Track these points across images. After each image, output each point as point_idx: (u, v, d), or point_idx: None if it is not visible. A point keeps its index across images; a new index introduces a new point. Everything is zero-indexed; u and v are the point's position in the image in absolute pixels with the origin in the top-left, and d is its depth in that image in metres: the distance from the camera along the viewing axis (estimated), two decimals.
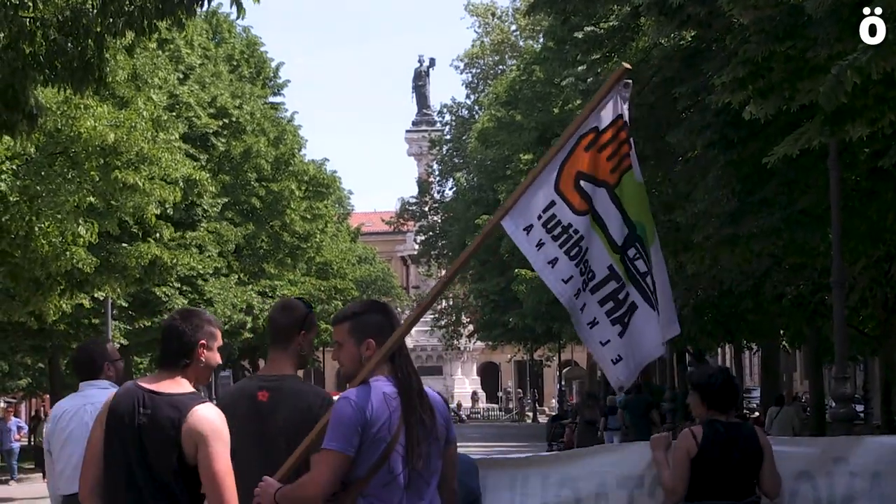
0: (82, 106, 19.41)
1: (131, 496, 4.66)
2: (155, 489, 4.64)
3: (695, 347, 37.66)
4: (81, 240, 20.51)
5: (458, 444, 5.07)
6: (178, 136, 27.30)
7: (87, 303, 26.76)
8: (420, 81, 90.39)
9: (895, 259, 17.69)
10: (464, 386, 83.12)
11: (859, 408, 30.73)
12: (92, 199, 20.68)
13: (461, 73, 64.75)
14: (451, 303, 65.28)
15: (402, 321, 4.90)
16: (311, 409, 5.06)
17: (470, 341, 73.74)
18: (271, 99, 46.24)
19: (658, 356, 5.55)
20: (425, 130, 77.78)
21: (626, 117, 5.14)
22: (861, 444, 6.46)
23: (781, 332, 32.73)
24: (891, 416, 22.32)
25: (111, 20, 11.26)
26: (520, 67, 47.57)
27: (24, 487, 29.09)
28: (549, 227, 5.13)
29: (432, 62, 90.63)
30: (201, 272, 33.49)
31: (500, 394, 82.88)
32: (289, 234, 41.17)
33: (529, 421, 64.51)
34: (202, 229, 34.22)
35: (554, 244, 5.15)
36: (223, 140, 36.69)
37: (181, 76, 34.89)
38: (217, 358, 4.92)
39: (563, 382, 58.30)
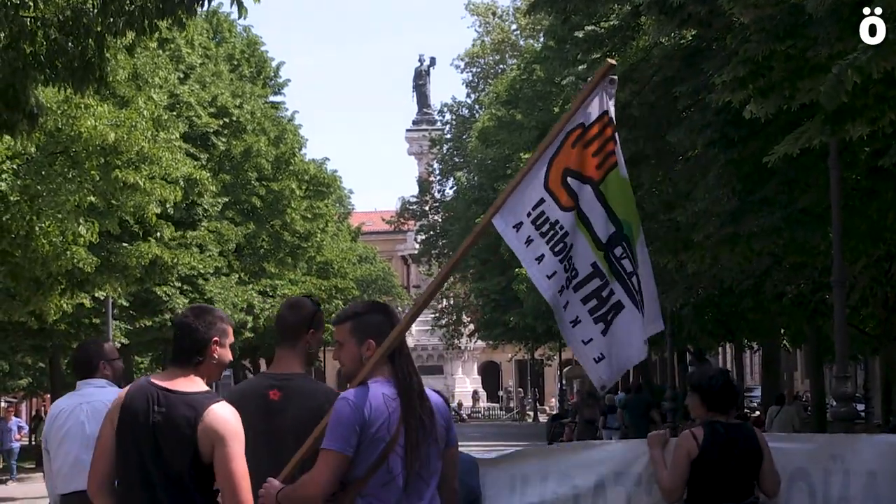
0: (83, 105, 19.39)
1: (145, 494, 4.66)
2: (169, 487, 4.64)
3: (695, 347, 37.68)
4: (82, 239, 20.51)
5: (459, 443, 5.07)
6: (178, 136, 27.29)
7: (87, 302, 26.76)
8: (420, 80, 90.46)
9: (895, 258, 17.69)
10: (464, 385, 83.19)
11: (860, 407, 30.72)
12: (92, 198, 20.67)
13: (462, 73, 64.87)
14: (451, 302, 65.34)
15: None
16: (322, 408, 5.04)
17: (471, 340, 73.78)
18: (272, 98, 46.23)
19: (641, 360, 5.53)
20: (426, 129, 77.82)
21: (612, 113, 5.14)
22: (857, 442, 6.46)
23: (782, 331, 32.75)
24: (891, 415, 22.34)
25: (112, 20, 11.26)
26: (520, 66, 47.57)
27: (25, 487, 29.10)
28: (538, 224, 5.13)
29: (433, 61, 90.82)
30: (202, 272, 33.50)
31: (500, 393, 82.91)
32: (289, 233, 41.17)
33: (530, 420, 64.54)
34: (203, 229, 34.22)
35: (542, 240, 5.15)
36: (224, 139, 36.68)
37: (182, 76, 34.89)
38: (229, 355, 4.92)
39: (563, 382, 58.29)
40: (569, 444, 8.33)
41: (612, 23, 19.84)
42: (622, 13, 19.67)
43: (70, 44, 11.73)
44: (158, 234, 27.88)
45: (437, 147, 62.38)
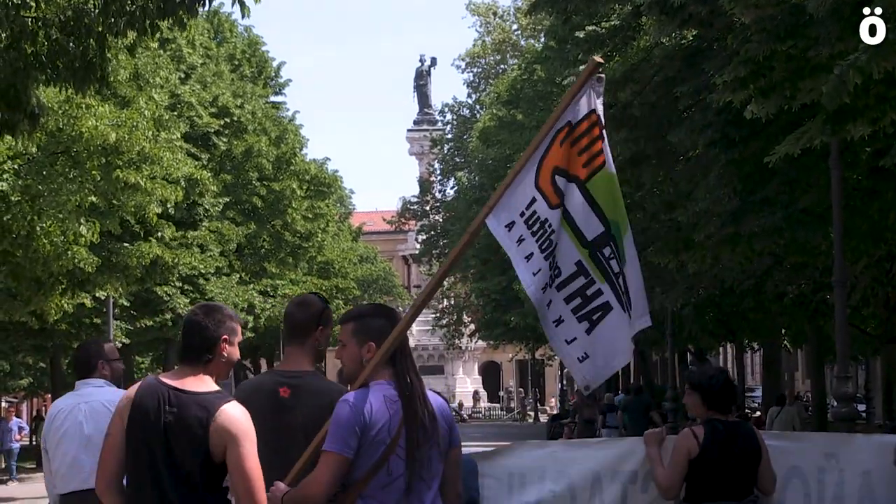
0: (84, 105, 19.40)
1: (155, 493, 4.66)
2: (179, 486, 4.64)
3: (696, 347, 37.69)
4: (83, 239, 20.51)
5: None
6: (179, 136, 27.34)
7: (88, 302, 26.77)
8: (421, 81, 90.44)
9: None
10: (465, 385, 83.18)
11: (861, 407, 30.71)
12: (93, 198, 20.68)
13: (462, 73, 64.80)
14: (452, 302, 65.32)
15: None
16: (333, 407, 5.04)
17: (471, 340, 73.76)
18: (273, 98, 46.26)
19: (626, 363, 5.51)
20: (427, 130, 77.77)
21: (600, 111, 5.12)
22: (852, 442, 6.48)
23: (783, 331, 32.76)
24: (892, 416, 22.34)
25: (113, 20, 11.26)
26: (521, 67, 47.53)
27: (25, 487, 29.10)
28: (529, 223, 5.13)
29: (433, 61, 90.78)
30: (203, 271, 33.51)
31: (501, 393, 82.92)
32: (290, 233, 41.16)
33: (531, 420, 64.51)
34: (204, 228, 34.23)
35: (532, 239, 5.15)
36: (224, 139, 36.69)
37: (183, 76, 34.91)
38: (237, 353, 4.91)
39: (564, 382, 58.26)
40: (566, 442, 8.36)
41: (612, 23, 19.82)
42: (623, 13, 19.65)
43: (71, 44, 11.74)
44: (159, 234, 27.89)
45: (438, 147, 62.35)
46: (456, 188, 56.73)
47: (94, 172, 20.42)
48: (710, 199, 17.29)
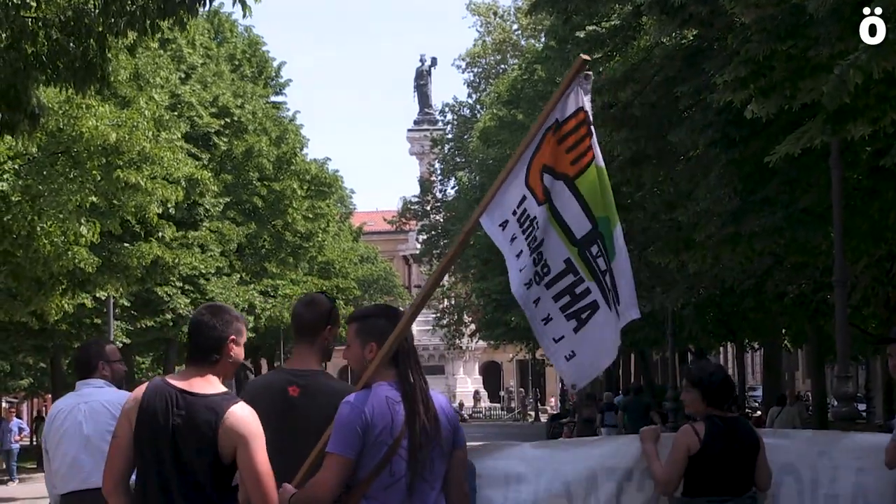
0: (84, 105, 19.41)
1: (162, 495, 4.67)
2: (187, 488, 4.65)
3: (697, 346, 37.71)
4: (83, 239, 20.51)
5: None
6: (179, 136, 27.33)
7: (88, 302, 26.79)
8: (422, 81, 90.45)
9: None
10: (466, 385, 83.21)
11: (861, 407, 30.72)
12: (94, 198, 20.68)
13: (463, 73, 64.77)
14: (452, 302, 65.32)
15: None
16: None
17: (472, 340, 73.72)
18: (273, 98, 46.23)
19: (611, 362, 5.51)
20: (427, 129, 77.74)
21: (588, 108, 5.11)
22: (846, 440, 6.49)
23: (783, 330, 32.75)
24: (893, 415, 22.33)
25: (113, 20, 11.27)
26: (521, 66, 47.51)
27: (26, 487, 29.11)
28: (521, 220, 5.13)
29: (434, 61, 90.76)
30: (203, 272, 33.51)
31: (502, 393, 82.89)
32: (291, 233, 41.16)
33: (531, 420, 64.53)
34: (204, 229, 34.22)
35: (522, 237, 5.16)
36: (225, 139, 36.69)
37: (183, 76, 34.91)
38: (242, 354, 4.94)
39: (564, 381, 58.22)
40: (562, 441, 8.38)
41: (613, 23, 19.82)
42: (623, 13, 19.65)
43: (71, 44, 11.74)
44: (160, 234, 27.89)
45: (439, 147, 62.34)
46: (456, 188, 56.69)
47: (94, 172, 20.42)
48: (710, 198, 17.29)
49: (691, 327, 30.43)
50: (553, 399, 72.22)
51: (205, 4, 11.18)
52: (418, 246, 66.80)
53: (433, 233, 59.64)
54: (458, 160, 59.18)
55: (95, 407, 6.73)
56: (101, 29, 11.56)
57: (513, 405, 77.09)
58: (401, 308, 5.56)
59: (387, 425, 4.60)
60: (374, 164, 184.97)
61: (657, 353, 47.60)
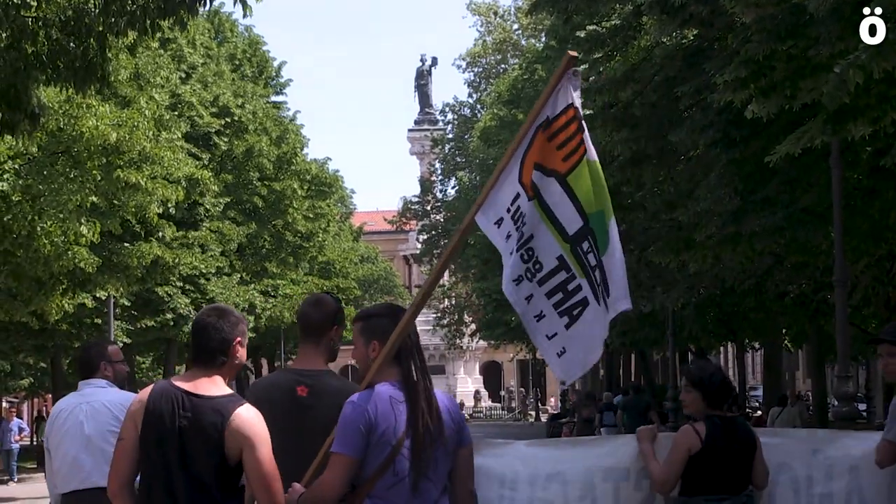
0: (84, 105, 19.41)
1: (168, 497, 4.69)
2: (193, 490, 4.67)
3: (697, 346, 37.71)
4: (84, 239, 20.52)
5: None
6: (180, 136, 27.33)
7: (89, 302, 26.80)
8: (422, 80, 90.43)
9: None
10: (466, 385, 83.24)
11: (862, 407, 30.73)
12: (94, 198, 20.69)
13: (463, 72, 64.74)
14: (453, 302, 65.30)
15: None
16: None
17: (472, 340, 73.73)
18: (273, 98, 46.22)
19: (599, 356, 5.52)
20: (427, 129, 77.76)
21: (578, 104, 5.11)
22: (841, 438, 6.51)
23: (784, 330, 32.77)
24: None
25: (113, 20, 11.26)
26: (522, 66, 47.50)
27: (26, 487, 29.11)
28: (515, 218, 5.14)
29: (434, 61, 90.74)
30: (204, 271, 33.52)
31: (502, 393, 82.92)
32: (291, 233, 41.17)
33: (532, 420, 64.54)
34: (204, 228, 34.23)
35: (516, 235, 5.17)
36: (225, 139, 36.70)
37: (183, 75, 34.92)
38: (245, 355, 4.97)
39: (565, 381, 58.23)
40: (559, 440, 8.39)
41: (613, 22, 19.80)
42: (624, 13, 19.64)
43: (72, 44, 11.74)
44: (160, 234, 27.90)
45: (439, 147, 62.32)
46: (457, 188, 56.69)
47: (94, 172, 20.42)
48: (710, 198, 17.28)
49: (692, 327, 30.42)
50: (553, 399, 72.23)
51: (205, 4, 11.17)
52: (419, 246, 66.77)
53: (433, 233, 59.61)
54: (459, 160, 59.15)
55: (97, 407, 6.75)
56: (101, 28, 11.56)
57: (513, 405, 77.12)
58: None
59: (390, 425, 4.61)
60: (374, 164, 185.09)
61: (657, 353, 47.61)
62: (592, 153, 5.09)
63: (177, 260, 29.07)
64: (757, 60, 11.91)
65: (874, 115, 10.93)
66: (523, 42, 58.83)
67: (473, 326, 61.82)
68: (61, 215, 19.43)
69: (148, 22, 11.11)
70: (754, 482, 6.23)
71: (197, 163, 29.95)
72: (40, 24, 11.59)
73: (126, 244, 26.36)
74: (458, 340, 67.82)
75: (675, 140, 17.38)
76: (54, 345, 33.45)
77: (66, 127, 19.68)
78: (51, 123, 18.74)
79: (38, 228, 19.64)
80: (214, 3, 11.47)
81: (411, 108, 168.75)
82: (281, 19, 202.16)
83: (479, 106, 60.27)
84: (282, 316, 40.48)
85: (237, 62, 42.57)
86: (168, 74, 31.53)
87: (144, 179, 21.36)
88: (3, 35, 11.30)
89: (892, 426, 5.98)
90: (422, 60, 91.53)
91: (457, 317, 64.91)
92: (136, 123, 21.22)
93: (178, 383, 4.79)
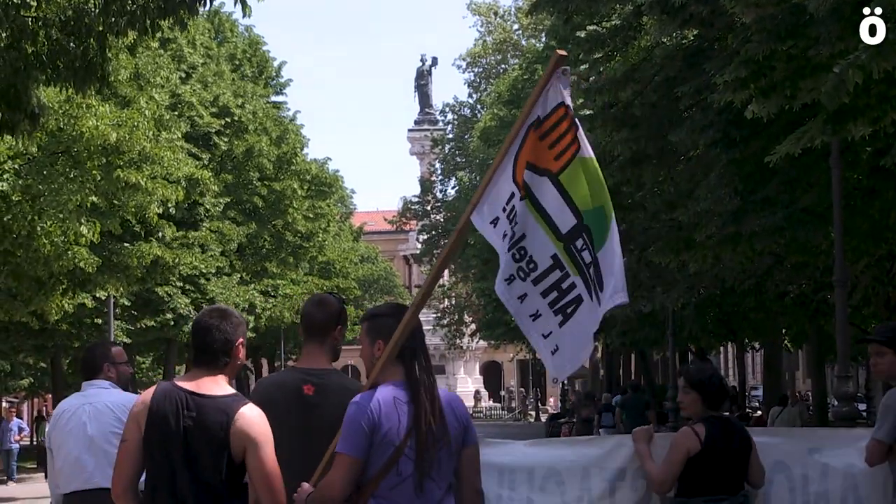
0: (84, 105, 19.41)
1: (173, 497, 4.70)
2: (198, 489, 4.69)
3: (697, 346, 37.70)
4: (83, 239, 20.52)
5: None
6: (180, 136, 27.33)
7: (89, 302, 26.81)
8: (422, 80, 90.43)
9: None
10: (466, 385, 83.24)
11: (862, 406, 30.73)
12: (94, 198, 20.69)
13: (463, 73, 64.73)
14: (453, 302, 65.32)
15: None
16: None
17: (472, 340, 73.74)
18: (273, 98, 46.21)
19: (590, 352, 5.53)
20: (427, 129, 77.75)
21: (569, 103, 5.11)
22: (836, 437, 6.54)
23: (784, 330, 32.76)
24: None
25: (113, 19, 11.26)
26: (522, 66, 47.48)
27: (25, 487, 29.13)
28: (510, 217, 5.14)
29: (434, 61, 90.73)
30: (204, 271, 33.52)
31: (502, 393, 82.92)
32: (291, 233, 41.17)
33: (532, 420, 64.55)
34: (204, 228, 34.23)
35: (511, 233, 5.18)
36: (225, 139, 36.69)
37: (183, 75, 34.91)
38: (244, 355, 5.02)
39: (566, 381, 58.30)
40: (556, 440, 8.43)
41: (613, 23, 19.80)
42: (624, 13, 19.64)
43: (72, 44, 11.74)
44: (160, 234, 27.90)
45: (439, 147, 62.32)
46: (457, 188, 56.68)
47: (94, 172, 20.42)
48: (710, 198, 17.28)
49: (692, 327, 30.43)
50: (553, 399, 72.26)
51: (205, 4, 11.16)
52: (419, 246, 66.77)
53: (433, 233, 59.62)
54: (459, 160, 59.15)
55: (100, 408, 6.79)
56: (101, 28, 11.55)
57: (513, 405, 77.12)
58: None
59: (393, 425, 4.63)
60: (374, 164, 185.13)
61: (657, 353, 47.61)
62: (587, 150, 5.09)
63: (177, 260, 29.07)
64: (757, 60, 11.91)
65: (874, 115, 10.93)
66: (523, 42, 58.83)
67: (473, 326, 61.84)
68: (61, 215, 19.43)
69: (148, 22, 11.11)
70: (751, 481, 6.26)
71: (197, 163, 29.94)
72: (40, 23, 11.59)
73: (126, 244, 26.36)
74: (458, 340, 67.84)
75: (675, 140, 17.38)
76: (54, 345, 33.44)
77: (66, 127, 19.68)
78: (51, 123, 18.73)
79: (38, 228, 19.64)
80: (214, 2, 11.47)
81: (411, 108, 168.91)
82: (281, 19, 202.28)
83: (479, 106, 60.27)
84: (282, 316, 40.49)
85: (237, 62, 42.56)
86: (168, 74, 31.53)
87: (144, 179, 21.35)
88: (3, 35, 11.30)
89: (882, 425, 6.01)
90: (422, 60, 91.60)
91: (457, 317, 64.92)
92: (136, 123, 21.22)
93: (182, 384, 4.82)
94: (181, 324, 32.88)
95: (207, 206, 34.20)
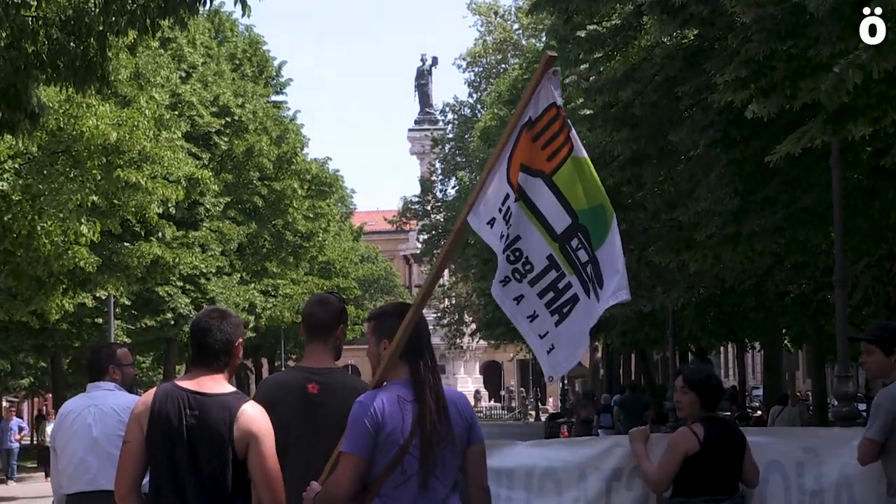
0: (84, 105, 19.41)
1: (177, 496, 4.72)
2: (202, 487, 4.71)
3: (697, 346, 37.71)
4: (84, 239, 20.52)
5: None
6: (180, 135, 27.33)
7: (89, 302, 26.81)
8: (422, 80, 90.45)
9: None
10: (466, 385, 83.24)
11: (862, 406, 30.73)
12: (94, 197, 20.69)
13: (463, 72, 64.74)
14: (453, 302, 65.33)
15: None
16: None
17: (472, 340, 73.79)
18: (274, 98, 46.20)
19: (585, 349, 5.56)
20: (428, 129, 77.79)
21: (560, 103, 5.12)
22: (830, 435, 6.56)
23: (784, 330, 32.75)
24: None
25: (113, 19, 11.26)
26: (522, 66, 47.47)
27: (25, 487, 29.13)
28: (506, 218, 5.15)
29: (435, 61, 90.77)
30: (204, 271, 33.54)
31: (502, 392, 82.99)
32: (291, 233, 41.18)
33: (532, 420, 64.56)
34: (204, 228, 34.24)
35: (507, 234, 5.19)
36: (225, 139, 36.70)
37: (183, 75, 34.91)
38: (241, 354, 5.07)
39: (566, 381, 58.31)
40: (555, 440, 8.49)
41: (614, 22, 19.79)
42: (624, 13, 19.63)
43: (72, 43, 11.74)
44: (160, 233, 27.90)
45: (439, 146, 62.34)
46: (457, 188, 56.69)
47: (94, 172, 20.42)
48: (711, 198, 17.28)
49: (692, 327, 30.44)
50: (553, 399, 72.29)
51: (205, 3, 11.16)
52: (419, 246, 66.79)
53: (434, 233, 59.63)
54: (459, 160, 59.15)
55: (105, 410, 6.84)
56: (101, 28, 11.56)
57: (513, 405, 77.15)
58: None
59: (397, 424, 4.64)
60: (374, 163, 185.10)
61: (657, 353, 47.62)
62: (580, 150, 5.11)
63: (177, 259, 29.08)
64: (757, 60, 11.91)
65: (874, 115, 10.93)
66: (524, 42, 58.82)
67: (473, 326, 61.86)
68: (61, 215, 19.44)
69: (148, 21, 11.11)
70: (745, 481, 6.29)
71: (197, 162, 29.95)
72: (40, 23, 11.59)
73: (126, 244, 26.37)
74: (458, 340, 67.88)
75: (676, 140, 17.38)
76: (54, 344, 33.45)
77: (67, 126, 19.68)
78: (51, 123, 18.73)
79: (39, 228, 19.65)
80: (214, 2, 11.48)
81: (411, 107, 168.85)
82: (281, 19, 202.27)
83: (479, 106, 60.27)
84: (282, 316, 40.51)
85: (237, 62, 42.56)
86: (168, 74, 31.52)
87: (144, 179, 21.36)
88: (4, 34, 11.30)
89: (873, 424, 6.04)
90: (422, 60, 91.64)
91: (457, 316, 64.95)
92: (136, 123, 21.23)
93: (182, 384, 4.85)
94: (181, 323, 32.89)
95: (207, 206, 34.21)
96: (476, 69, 63.62)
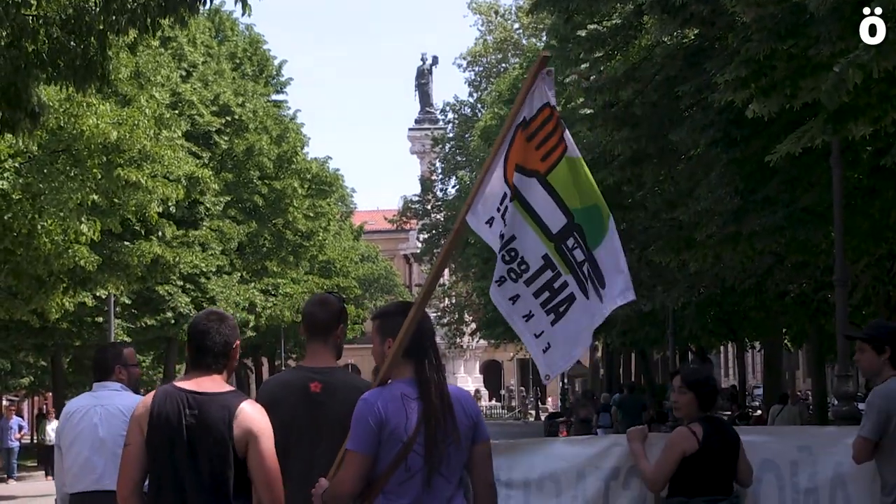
0: (85, 104, 19.40)
1: (178, 496, 4.74)
2: (203, 487, 4.73)
3: (697, 345, 37.71)
4: (84, 238, 20.53)
5: None
6: (180, 134, 27.31)
7: (89, 301, 26.81)
8: (423, 79, 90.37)
9: None
10: (466, 384, 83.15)
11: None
12: (94, 196, 20.68)
13: (464, 72, 64.68)
14: (453, 301, 65.31)
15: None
16: None
17: (472, 339, 73.77)
18: (274, 97, 46.18)
19: (586, 348, 5.57)
20: (428, 128, 77.75)
21: (554, 103, 5.14)
22: (825, 434, 6.58)
23: (784, 330, 32.76)
24: None
25: (114, 18, 11.26)
26: (522, 66, 47.49)
27: (25, 486, 29.13)
28: (504, 217, 5.18)
29: (435, 60, 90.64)
30: (204, 270, 33.54)
31: (502, 392, 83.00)
32: (291, 232, 41.16)
33: (532, 419, 64.57)
34: (205, 227, 34.24)
35: (505, 234, 5.20)
36: (226, 138, 36.69)
37: (184, 74, 34.91)
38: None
39: (566, 381, 58.31)
40: (553, 439, 8.51)
41: (614, 22, 19.81)
42: (624, 12, 19.64)
43: (72, 42, 11.74)
44: (160, 232, 27.90)
45: (440, 146, 62.30)
46: (457, 187, 56.67)
47: (95, 171, 20.42)
48: (711, 198, 17.29)
49: (692, 326, 30.45)
50: (552, 398, 72.30)
51: (205, 2, 11.18)
52: (419, 245, 66.77)
53: (434, 232, 59.60)
54: (459, 159, 59.13)
55: (111, 411, 6.85)
56: (101, 27, 11.56)
57: (513, 404, 77.15)
58: None
59: (401, 421, 4.67)
60: (374, 163, 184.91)
61: (657, 353, 47.62)
62: (573, 150, 5.14)
63: (177, 259, 29.09)
64: (757, 60, 11.91)
65: (875, 115, 10.94)
66: (524, 41, 58.83)
67: (473, 325, 61.83)
68: (62, 214, 19.44)
69: (148, 20, 11.11)
70: (739, 480, 6.33)
71: (197, 161, 29.95)
72: (41, 22, 11.60)
73: (126, 243, 26.37)
74: (458, 339, 67.87)
75: (676, 139, 17.39)
76: (54, 343, 33.46)
77: (67, 125, 19.67)
78: (51, 122, 18.73)
79: (39, 227, 19.65)
80: (215, 1, 11.47)
81: (412, 107, 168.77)
82: (281, 18, 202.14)
83: (479, 105, 60.25)
84: (282, 315, 40.50)
85: (238, 61, 42.54)
86: (168, 73, 31.51)
87: (145, 178, 21.36)
88: (4, 33, 11.30)
89: (866, 422, 6.07)
90: (422, 59, 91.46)
91: (457, 316, 64.91)
92: (136, 122, 21.23)
93: (181, 385, 4.88)
94: (181, 322, 32.88)
95: (208, 205, 34.20)
96: (476, 68, 63.61)
